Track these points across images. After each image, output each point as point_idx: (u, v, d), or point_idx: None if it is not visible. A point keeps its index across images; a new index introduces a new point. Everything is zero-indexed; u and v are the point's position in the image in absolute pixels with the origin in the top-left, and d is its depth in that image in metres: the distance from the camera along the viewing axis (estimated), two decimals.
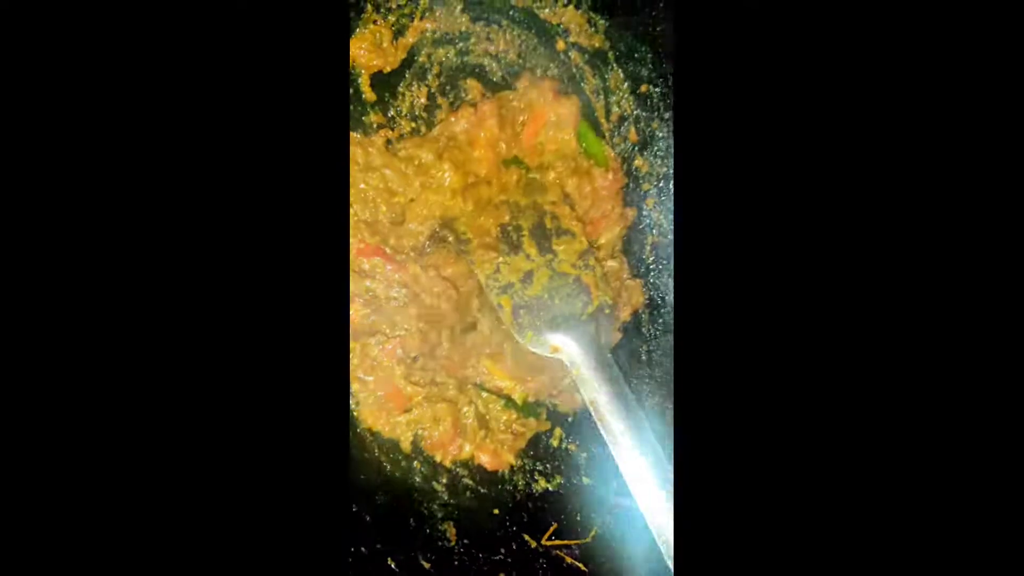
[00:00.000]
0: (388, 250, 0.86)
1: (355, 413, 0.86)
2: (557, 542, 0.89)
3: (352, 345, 0.84)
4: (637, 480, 0.75)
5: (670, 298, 0.97)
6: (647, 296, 0.97)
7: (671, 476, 0.75)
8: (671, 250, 0.96)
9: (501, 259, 0.86)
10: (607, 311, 0.87)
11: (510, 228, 0.89)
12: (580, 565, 0.88)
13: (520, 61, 0.91)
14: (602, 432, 0.79)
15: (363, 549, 0.76)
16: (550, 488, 0.93)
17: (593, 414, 0.80)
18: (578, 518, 0.91)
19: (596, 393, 0.80)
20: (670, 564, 0.71)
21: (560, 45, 0.91)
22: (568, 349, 0.83)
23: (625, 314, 0.96)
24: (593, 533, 0.91)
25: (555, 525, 0.90)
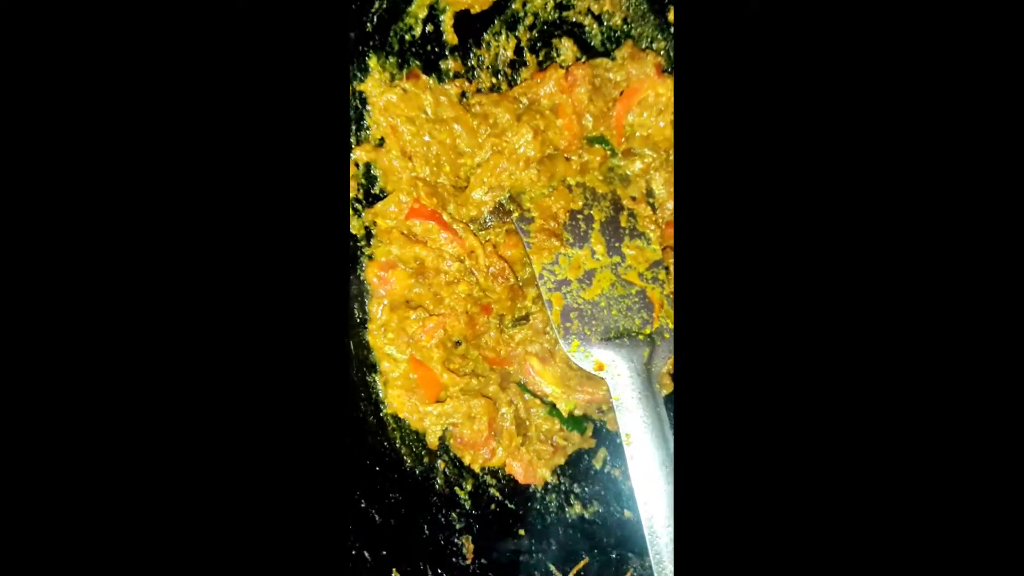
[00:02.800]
0: (446, 216, 0.75)
1: (380, 394, 0.76)
2: None
3: (389, 316, 0.74)
4: (651, 536, 0.68)
5: None
6: None
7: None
8: None
9: (563, 250, 0.76)
10: (667, 335, 0.77)
11: (580, 217, 0.79)
12: None
13: (625, 27, 0.80)
14: (630, 471, 0.71)
15: (365, 553, 0.66)
16: (586, 515, 0.82)
17: (625, 449, 0.72)
18: (613, 555, 0.81)
19: (633, 427, 0.72)
20: None
21: (673, 16, 0.80)
22: (614, 370, 0.74)
23: None
24: (628, 575, 0.79)
25: (586, 559, 0.79)
